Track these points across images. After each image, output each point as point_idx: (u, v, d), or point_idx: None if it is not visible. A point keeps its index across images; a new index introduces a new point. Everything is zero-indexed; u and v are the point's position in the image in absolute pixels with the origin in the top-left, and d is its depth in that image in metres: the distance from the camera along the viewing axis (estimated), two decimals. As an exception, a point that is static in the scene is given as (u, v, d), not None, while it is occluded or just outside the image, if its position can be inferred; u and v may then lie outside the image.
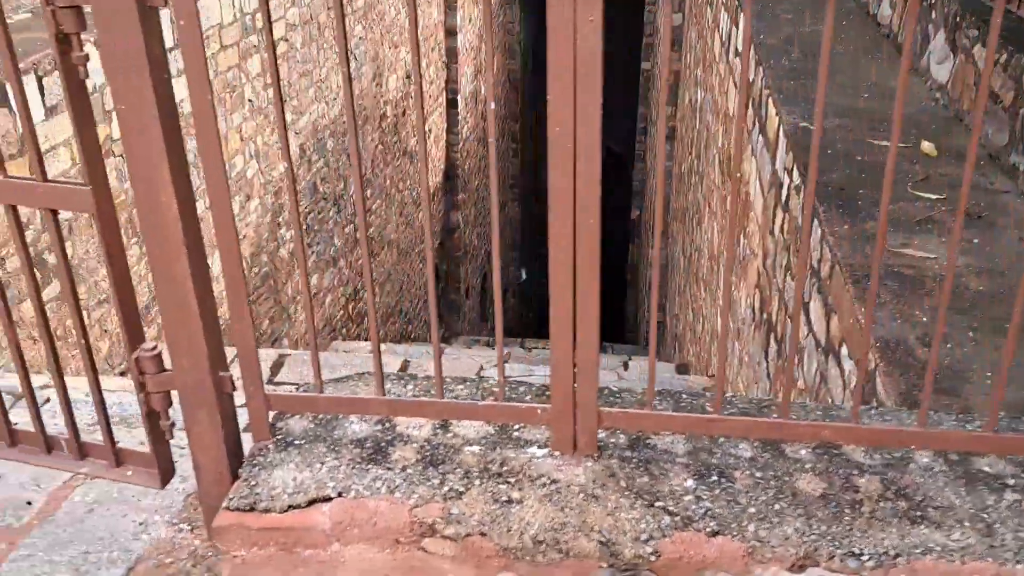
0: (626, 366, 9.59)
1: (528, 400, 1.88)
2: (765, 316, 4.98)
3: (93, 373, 1.86)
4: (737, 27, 6.99)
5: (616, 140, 24.78)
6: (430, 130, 14.03)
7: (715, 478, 1.70)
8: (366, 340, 11.83)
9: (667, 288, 14.41)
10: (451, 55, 14.39)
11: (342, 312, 11.25)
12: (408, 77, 12.58)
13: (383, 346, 9.79)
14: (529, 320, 24.29)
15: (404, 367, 6.77)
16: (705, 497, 1.65)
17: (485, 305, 18.93)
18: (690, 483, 1.68)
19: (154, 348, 1.76)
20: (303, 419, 1.89)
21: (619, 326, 23.24)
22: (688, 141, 11.52)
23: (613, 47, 18.24)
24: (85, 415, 2.29)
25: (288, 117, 8.93)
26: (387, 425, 1.86)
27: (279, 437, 1.84)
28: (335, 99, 10.12)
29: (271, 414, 1.84)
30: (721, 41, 8.13)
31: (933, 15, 5.14)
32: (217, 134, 1.62)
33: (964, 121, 4.52)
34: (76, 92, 1.55)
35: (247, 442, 1.84)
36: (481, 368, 6.85)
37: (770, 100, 5.13)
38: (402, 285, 13.42)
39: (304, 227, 9.63)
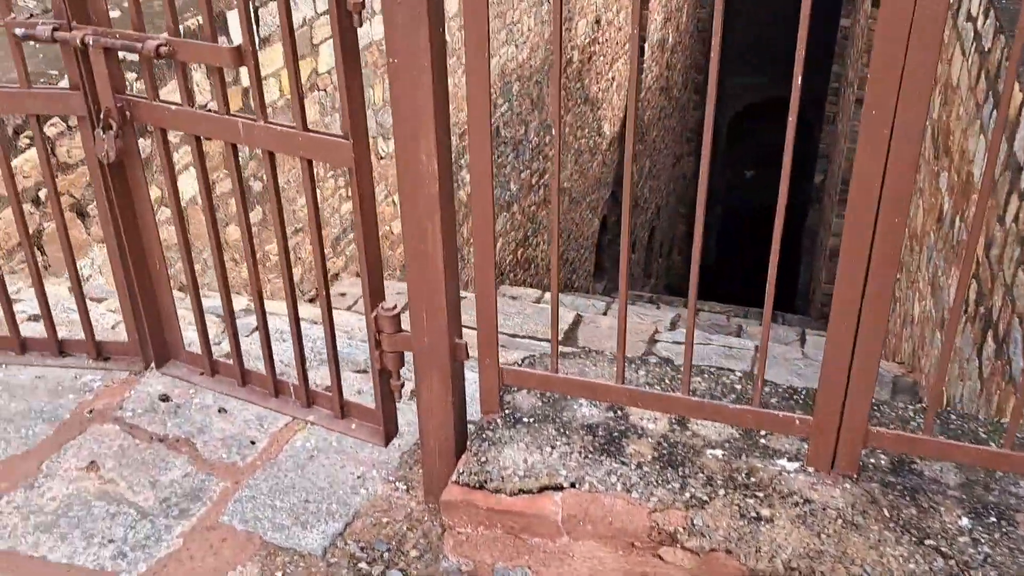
0: (803, 340, 9.19)
1: (775, 404, 1.73)
2: (983, 310, 4.57)
3: (330, 325, 1.84)
4: (973, -12, 6.38)
5: (803, 96, 23.58)
6: (613, 77, 13.75)
7: (994, 519, 1.51)
8: (531, 287, 11.86)
9: (847, 261, 13.70)
10: (645, 1, 13.98)
11: (511, 257, 11.30)
12: (598, 22, 12.31)
13: (548, 295, 9.75)
14: (708, 278, 23.68)
15: (577, 322, 6.69)
16: (983, 541, 1.47)
17: (650, 260, 18.63)
18: (965, 522, 1.50)
19: (394, 308, 1.72)
20: (531, 395, 1.81)
21: (790, 294, 22.38)
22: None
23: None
24: (280, 351, 2.30)
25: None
26: (619, 413, 1.76)
27: (507, 412, 1.77)
28: (524, 42, 10.01)
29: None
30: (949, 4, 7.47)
31: None
32: (489, 96, 1.53)
33: None
34: (348, 40, 1.50)
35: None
36: (655, 332, 6.69)
37: (1013, 73, 4.64)
38: (570, 234, 13.34)
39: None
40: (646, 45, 14.49)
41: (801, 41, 1.40)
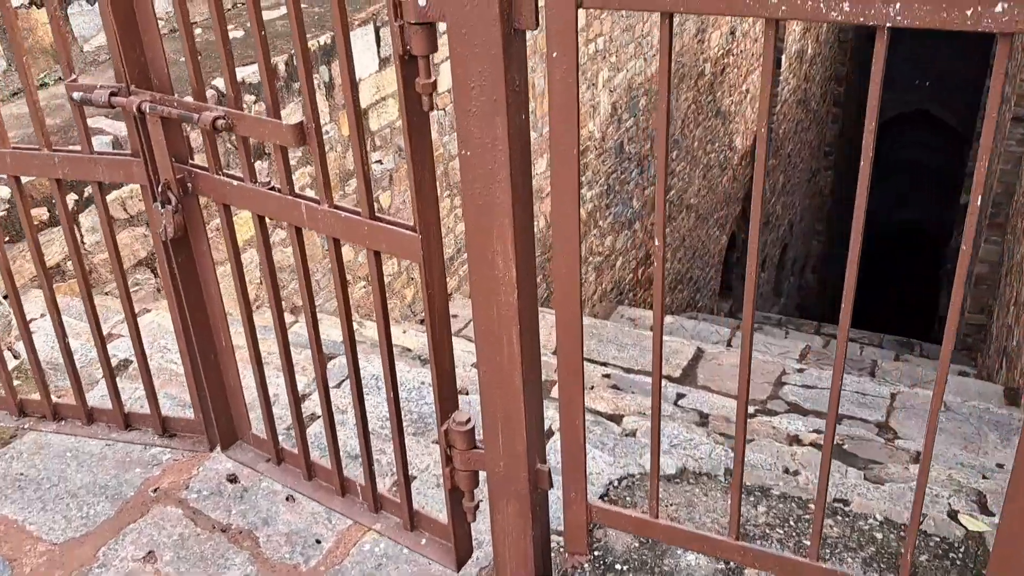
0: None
1: (926, 565, 1.38)
2: None
3: (400, 439, 1.61)
4: None
5: (952, 112, 22.19)
6: (747, 90, 13.19)
7: None
8: (652, 306, 11.48)
9: (998, 291, 12.67)
10: (781, 11, 13.37)
11: (631, 276, 10.95)
12: (732, 34, 11.82)
13: (669, 319, 9.38)
14: (826, 298, 22.70)
15: (697, 356, 6.32)
16: None
17: (780, 279, 17.87)
18: None
19: (467, 422, 1.49)
20: (626, 534, 1.54)
21: (929, 319, 21.08)
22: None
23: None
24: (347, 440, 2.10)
25: (605, 74, 8.62)
26: (732, 565, 1.46)
27: (597, 554, 1.50)
28: (654, 56, 9.65)
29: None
30: None
31: None
32: (578, 161, 1.28)
33: None
34: (418, 125, 1.26)
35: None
36: (783, 372, 6.25)
37: None
38: (695, 251, 12.87)
39: (605, 187, 9.37)
40: (783, 57, 13.86)
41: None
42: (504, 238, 1.25)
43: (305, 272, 1.59)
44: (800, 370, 6.39)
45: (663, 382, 5.90)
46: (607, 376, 5.56)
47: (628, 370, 6.10)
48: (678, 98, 10.70)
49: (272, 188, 1.54)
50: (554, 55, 1.11)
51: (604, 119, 8.86)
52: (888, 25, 1.06)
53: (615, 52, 8.73)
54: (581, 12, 7.98)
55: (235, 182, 1.59)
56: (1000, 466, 5.15)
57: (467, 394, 2.83)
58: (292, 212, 1.51)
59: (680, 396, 5.15)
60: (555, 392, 3.62)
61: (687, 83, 10.82)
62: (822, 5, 1.06)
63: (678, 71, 10.49)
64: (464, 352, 4.64)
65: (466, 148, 1.20)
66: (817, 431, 5.08)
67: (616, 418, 4.26)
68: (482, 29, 1.10)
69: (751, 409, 5.44)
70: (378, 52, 5.34)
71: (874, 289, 23.34)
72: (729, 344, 9.08)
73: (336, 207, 1.47)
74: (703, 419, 4.80)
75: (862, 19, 1.05)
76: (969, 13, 1.01)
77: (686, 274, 12.98)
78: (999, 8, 0.99)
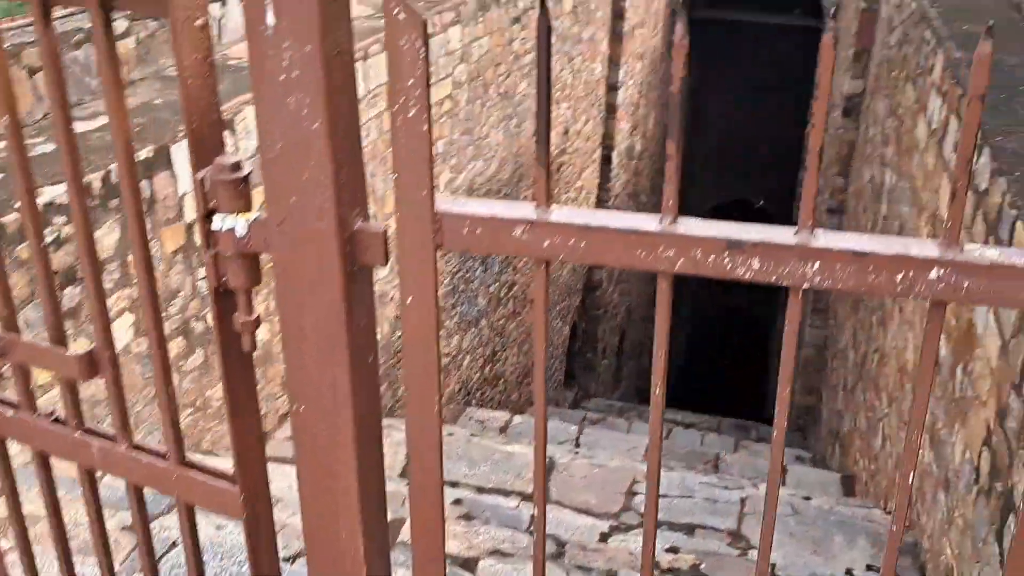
0: (784, 471, 8.70)
1: None
2: (1001, 488, 4.12)
3: None
4: (959, 119, 6.13)
5: (766, 195, 23.67)
6: (582, 186, 13.52)
7: None
8: (499, 404, 11.33)
9: (826, 375, 13.33)
10: (610, 110, 13.87)
11: (478, 375, 10.79)
12: (566, 133, 12.12)
13: (518, 418, 9.23)
14: (665, 379, 23.22)
15: (549, 468, 6.15)
16: None
17: (620, 365, 18.20)
18: None
19: None
20: None
21: (759, 398, 21.97)
22: (866, 223, 10.56)
23: (775, 103, 17.31)
24: None
25: (447, 175, 8.55)
26: None
27: None
28: (493, 156, 9.71)
29: None
30: (929, 127, 7.25)
31: None
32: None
33: None
34: (238, 371, 1.02)
35: None
36: (633, 481, 6.16)
37: (1019, 225, 4.29)
38: (540, 345, 12.89)
39: (451, 287, 9.23)
40: (614, 153, 14.36)
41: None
42: (349, 515, 1.01)
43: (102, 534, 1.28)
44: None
45: (517, 501, 5.65)
46: (458, 502, 5.28)
47: (481, 489, 5.85)
48: (517, 196, 10.80)
49: (56, 419, 1.25)
50: (409, 300, 0.91)
51: (445, 221, 8.73)
52: (805, 287, 0.92)
53: (455, 154, 8.70)
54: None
55: (9, 410, 1.29)
56: (849, 572, 5.19)
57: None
58: (81, 451, 1.23)
59: (534, 519, 4.91)
60: (405, 530, 3.33)
61: (526, 182, 10.95)
62: (727, 261, 0.91)
63: (516, 171, 10.61)
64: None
65: (300, 402, 0.96)
66: (673, 549, 4.96)
67: (470, 563, 3.99)
68: (318, 266, 0.89)
69: (605, 526, 5.29)
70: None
71: (708, 371, 24.22)
72: (577, 444, 9.00)
73: (137, 447, 1.19)
74: (560, 548, 4.58)
75: (775, 278, 0.90)
76: (899, 278, 0.89)
77: (533, 367, 12.92)
78: (934, 275, 0.86)
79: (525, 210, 0.92)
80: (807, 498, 6.30)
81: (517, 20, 9.58)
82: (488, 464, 6.09)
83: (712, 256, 0.93)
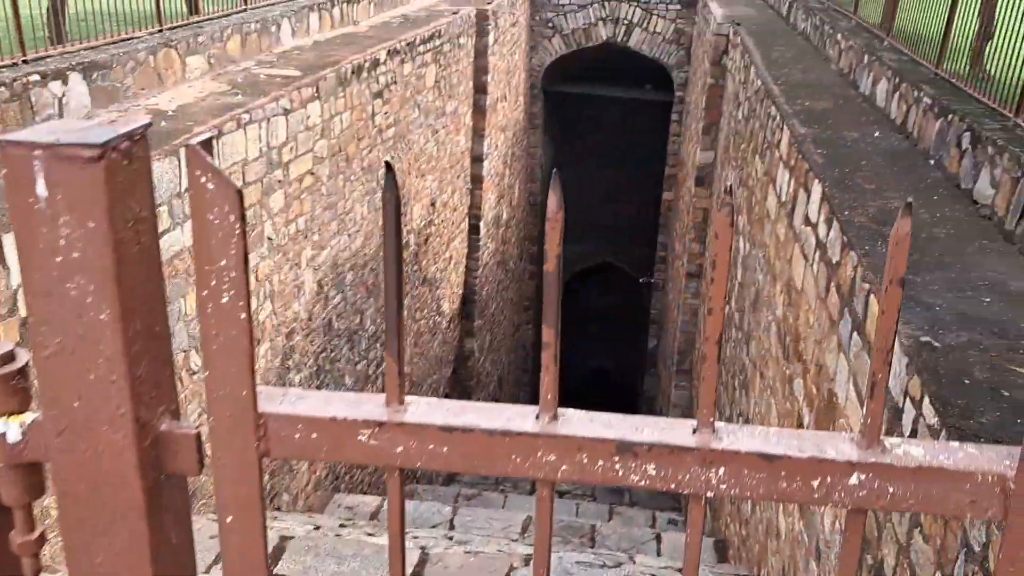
0: (659, 539, 8.71)
1: None
2: (871, 560, 4.17)
3: None
4: (808, 193, 6.39)
5: (627, 259, 24.30)
6: (451, 256, 13.46)
7: None
8: (371, 487, 10.95)
9: (693, 435, 13.57)
10: (476, 181, 13.95)
11: (348, 455, 10.40)
12: (433, 204, 12.07)
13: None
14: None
15: (423, 561, 5.91)
16: None
17: (494, 434, 18.05)
18: None
19: None
20: None
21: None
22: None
23: (633, 172, 17.79)
24: None
25: (308, 252, 8.31)
26: None
27: None
28: (358, 231, 9.53)
29: None
30: (779, 199, 7.55)
31: (1058, 209, 4.51)
32: None
33: (1118, 346, 3.82)
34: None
35: None
36: (511, 569, 5.99)
37: (872, 299, 4.45)
38: (412, 419, 12.60)
39: (315, 368, 8.91)
40: (482, 223, 14.41)
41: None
42: None
43: None
44: (527, 559, 6.16)
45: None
46: (327, 607, 4.95)
47: (350, 591, 5.53)
48: (383, 271, 10.61)
49: None
50: (229, 520, 0.74)
51: (310, 298, 8.48)
52: (709, 494, 0.81)
53: (318, 230, 8.47)
54: (280, 193, 7.63)
55: None
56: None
57: None
58: None
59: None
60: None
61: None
62: (618, 467, 0.79)
63: (381, 244, 10.44)
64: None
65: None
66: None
67: None
68: (110, 482, 0.71)
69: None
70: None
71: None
72: (452, 527, 8.75)
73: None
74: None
75: (674, 485, 0.79)
76: (816, 484, 0.79)
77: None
78: (854, 480, 0.77)
79: (372, 408, 0.78)
80: (679, 571, 6.28)
81: (379, 95, 9.53)
82: (358, 560, 5.80)
83: (600, 462, 0.79)
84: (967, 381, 3.54)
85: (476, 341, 14.87)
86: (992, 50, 7.98)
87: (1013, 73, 6.67)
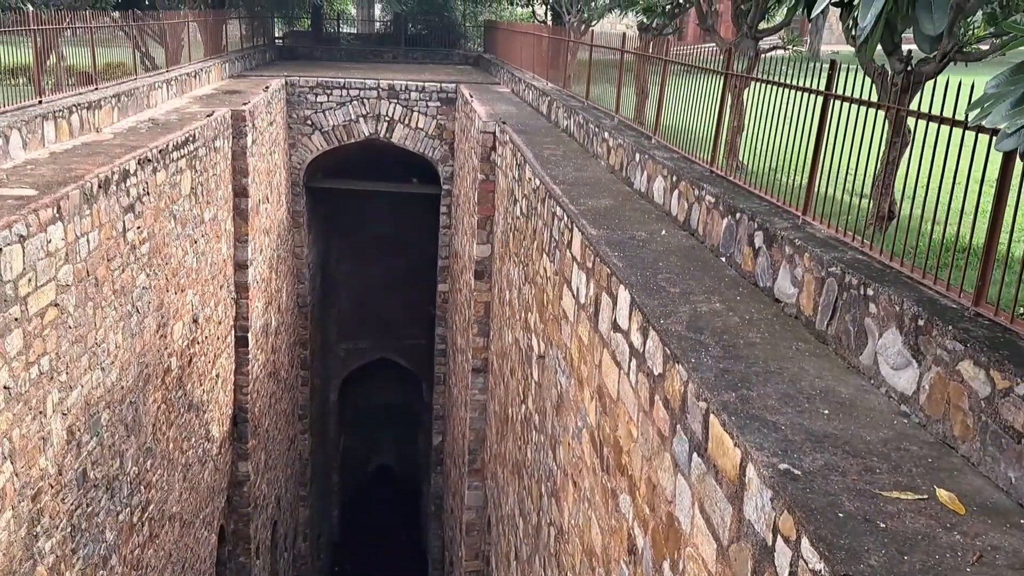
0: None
1: None
2: None
3: None
4: (612, 298, 6.21)
5: (407, 356, 23.77)
6: (217, 375, 12.31)
7: None
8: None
9: (493, 540, 13.07)
10: (241, 290, 12.96)
11: (113, 621, 8.98)
12: (195, 321, 10.98)
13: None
14: (318, 562, 21.78)
15: None
16: None
17: (276, 559, 16.61)
18: None
19: None
20: None
21: (422, 562, 21.29)
22: (518, 387, 10.63)
23: (407, 264, 17.38)
24: None
25: (55, 396, 7.10)
26: None
27: None
28: (113, 363, 8.36)
29: None
30: (578, 301, 7.38)
31: (871, 307, 4.53)
32: None
33: (960, 450, 3.78)
34: None
35: None
36: None
37: (714, 420, 4.21)
38: (184, 562, 11.19)
39: (69, 529, 7.57)
40: (249, 334, 13.37)
41: None
42: None
43: None
44: None
45: None
46: None
47: None
48: (146, 402, 9.40)
49: None
50: None
51: (59, 449, 7.25)
52: None
53: (65, 369, 7.29)
54: (17, 332, 6.44)
55: None
56: None
57: None
58: None
59: None
60: None
61: (153, 383, 9.62)
62: None
63: (142, 373, 9.27)
64: None
65: None
66: None
67: None
68: None
69: None
70: None
71: (368, 534, 23.15)
72: None
73: None
74: None
75: None
76: None
77: (176, 593, 11.16)
78: None
79: None
80: None
81: (130, 209, 8.52)
82: None
83: None
84: (841, 514, 3.31)
85: (251, 463, 13.67)
86: (744, 142, 8.38)
87: (759, 162, 6.96)
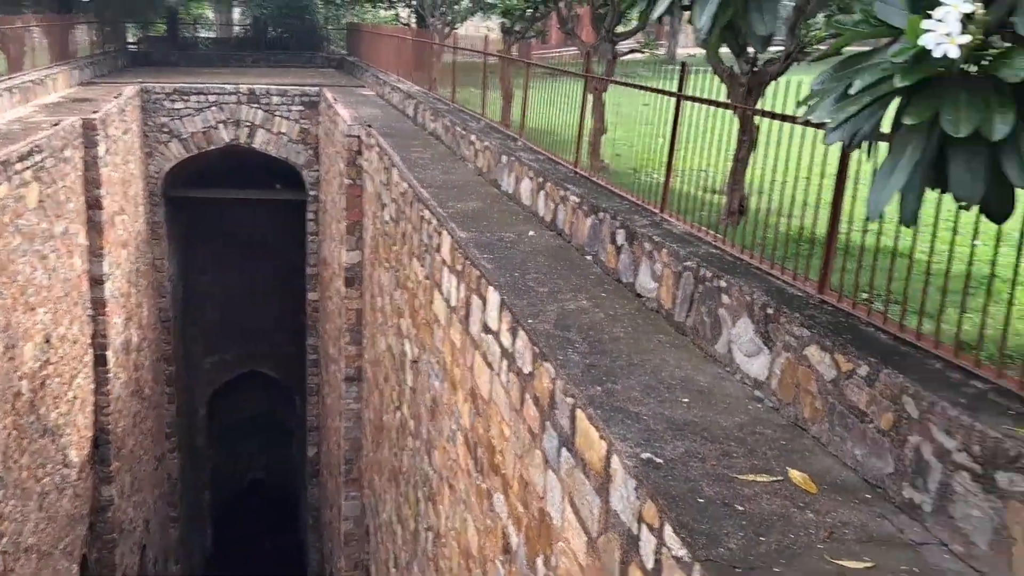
0: None
1: None
2: None
3: None
4: (483, 299, 6.24)
5: (277, 366, 23.18)
6: (75, 397, 11.69)
7: None
8: None
9: (372, 548, 12.89)
10: (98, 306, 12.35)
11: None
12: (47, 341, 10.39)
13: None
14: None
15: None
16: None
17: (147, 585, 15.92)
18: None
19: None
20: None
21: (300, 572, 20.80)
22: (392, 393, 10.53)
23: (275, 273, 16.90)
24: None
25: None
26: None
27: None
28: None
29: None
30: (449, 305, 7.37)
31: (724, 298, 4.71)
32: None
33: (810, 432, 3.96)
34: None
35: None
36: None
37: (580, 414, 4.28)
38: (45, 596, 10.57)
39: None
40: (109, 352, 12.76)
41: None
42: None
43: None
44: None
45: None
46: None
47: None
48: (-7, 428, 8.84)
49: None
50: None
51: None
52: None
53: None
54: None
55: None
56: None
57: None
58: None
59: None
60: None
61: (2, 408, 9.05)
62: None
63: (-12, 398, 8.71)
64: None
65: None
66: None
67: None
68: None
69: None
70: None
71: (243, 550, 22.45)
72: None
73: None
74: None
75: None
76: None
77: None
78: None
79: None
80: None
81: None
82: None
83: None
84: (701, 500, 3.42)
85: (115, 486, 13.05)
86: (607, 143, 8.58)
87: (622, 162, 7.17)
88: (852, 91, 1.81)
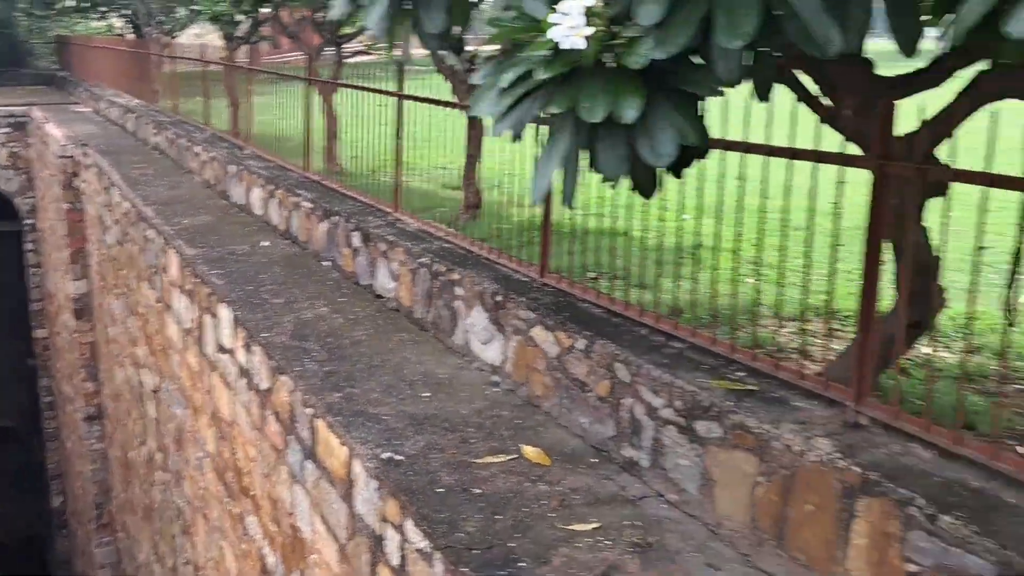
0: None
1: None
2: None
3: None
4: (215, 318, 5.99)
5: (4, 413, 21.00)
6: None
7: None
8: None
9: (133, 595, 12.01)
10: None
11: None
12: None
13: None
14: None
15: None
16: None
17: None
18: None
19: None
20: None
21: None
22: (135, 427, 9.86)
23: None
24: None
25: None
26: None
27: None
28: None
29: None
30: (181, 327, 7.01)
31: (458, 290, 4.81)
32: None
33: (543, 408, 4.14)
34: None
35: None
36: None
37: (319, 423, 4.21)
38: None
39: None
40: None
41: None
42: None
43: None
44: None
45: None
46: None
47: None
48: None
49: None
50: None
51: None
52: None
53: None
54: None
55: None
56: None
57: None
58: None
59: None
60: None
61: None
62: None
63: None
64: None
65: None
66: None
67: None
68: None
69: None
70: None
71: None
72: None
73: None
74: None
75: None
76: None
77: None
78: None
79: None
80: None
81: None
82: None
83: None
84: (440, 490, 3.47)
85: None
86: (342, 146, 8.51)
87: (358, 164, 7.16)
88: (503, 85, 1.90)
